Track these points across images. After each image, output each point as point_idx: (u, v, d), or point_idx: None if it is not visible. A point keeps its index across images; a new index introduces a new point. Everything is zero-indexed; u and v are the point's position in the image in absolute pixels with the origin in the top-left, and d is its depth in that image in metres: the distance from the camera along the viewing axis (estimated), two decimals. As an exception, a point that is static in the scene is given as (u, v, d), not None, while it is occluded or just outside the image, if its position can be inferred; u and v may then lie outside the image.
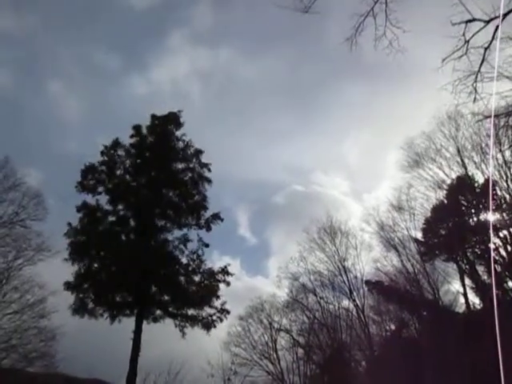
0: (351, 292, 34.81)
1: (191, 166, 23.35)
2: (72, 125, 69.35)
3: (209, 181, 23.33)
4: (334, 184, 71.58)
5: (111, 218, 21.78)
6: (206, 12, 75.39)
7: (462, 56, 11.97)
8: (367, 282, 34.27)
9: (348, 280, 35.04)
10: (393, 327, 34.35)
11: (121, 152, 22.87)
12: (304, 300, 35.63)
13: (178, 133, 23.60)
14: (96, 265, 21.53)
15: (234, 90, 78.79)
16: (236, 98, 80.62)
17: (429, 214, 32.47)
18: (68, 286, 20.89)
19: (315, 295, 35.77)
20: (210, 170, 23.34)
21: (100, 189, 21.74)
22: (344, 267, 35.33)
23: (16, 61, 69.58)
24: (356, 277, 34.97)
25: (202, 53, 78.16)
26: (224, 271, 22.12)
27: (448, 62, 12.03)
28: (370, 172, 71.53)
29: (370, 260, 35.26)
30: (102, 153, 22.38)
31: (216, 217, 22.77)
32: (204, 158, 23.48)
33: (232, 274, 22.38)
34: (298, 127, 78.78)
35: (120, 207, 21.95)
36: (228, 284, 22.19)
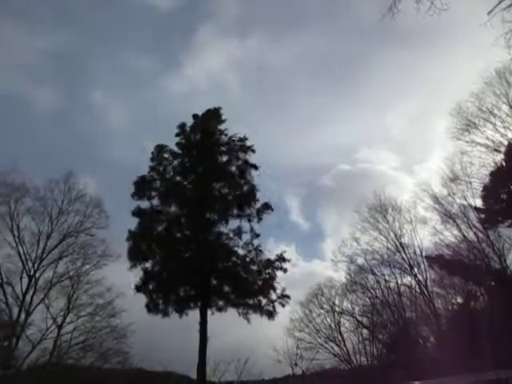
0: (411, 268, 33.93)
1: (236, 156, 23.62)
2: (118, 131, 71.99)
3: (255, 167, 23.49)
4: (381, 159, 69.81)
5: (166, 218, 22.45)
6: (231, 2, 75.31)
7: (510, 5, 11.13)
8: (427, 258, 33.23)
9: (407, 256, 34.16)
10: (459, 300, 33.22)
11: (166, 154, 23.50)
12: (363, 280, 35.21)
13: (221, 127, 23.94)
14: (157, 265, 22.32)
15: (269, 76, 78.49)
16: (271, 84, 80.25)
17: (487, 180, 30.86)
18: (137, 288, 21.88)
19: (374, 274, 35.22)
20: (254, 151, 23.49)
21: (153, 193, 22.49)
22: (401, 243, 34.46)
23: (59, 76, 72.94)
24: (415, 252, 34.03)
25: (232, 43, 78.39)
26: (280, 258, 22.29)
27: (495, 14, 11.21)
28: (418, 143, 69.22)
29: (427, 234, 34.16)
30: (151, 159, 23.11)
31: (266, 207, 22.90)
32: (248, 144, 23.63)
33: (288, 260, 22.51)
34: (337, 106, 77.32)
35: (173, 207, 22.60)
36: (285, 271, 22.37)
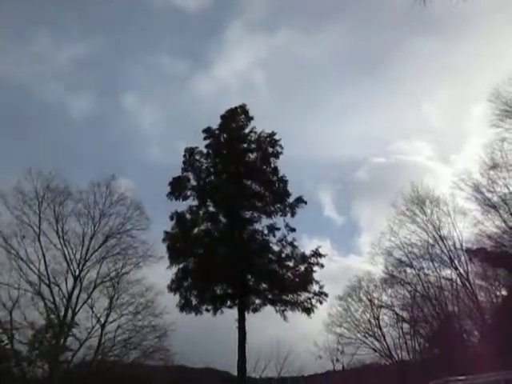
0: (452, 260, 33.01)
1: (266, 152, 23.75)
2: (152, 133, 73.51)
3: (279, 154, 23.38)
4: (416, 150, 68.09)
5: (202, 218, 22.83)
6: (257, -2, 75.12)
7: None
8: (467, 251, 32.21)
9: (446, 248, 33.23)
10: (504, 293, 32.07)
11: (198, 156, 23.90)
12: (401, 274, 34.57)
13: (249, 125, 24.14)
14: (193, 264, 22.73)
15: (297, 70, 78.08)
16: (301, 79, 79.81)
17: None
18: (171, 287, 22.37)
19: (413, 268, 34.49)
20: (281, 147, 23.52)
21: (188, 193, 22.92)
22: (440, 236, 33.55)
23: (94, 82, 75.13)
24: (454, 244, 33.07)
25: (260, 40, 78.44)
26: (316, 254, 22.23)
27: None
28: (454, 131, 67.34)
29: (467, 225, 33.10)
30: (184, 162, 23.56)
31: (299, 201, 22.89)
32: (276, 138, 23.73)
33: (324, 256, 22.43)
34: (369, 98, 75.99)
35: (208, 206, 22.96)
36: (322, 266, 22.29)
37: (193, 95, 76.25)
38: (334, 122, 77.23)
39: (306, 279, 22.17)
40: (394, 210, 34.71)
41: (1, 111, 62.34)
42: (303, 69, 79.46)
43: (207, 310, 22.38)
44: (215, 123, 24.20)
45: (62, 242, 27.58)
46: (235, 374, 23.74)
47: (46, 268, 26.88)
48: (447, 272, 33.46)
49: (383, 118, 73.52)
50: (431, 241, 33.37)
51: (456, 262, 32.70)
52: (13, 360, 26.16)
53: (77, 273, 27.46)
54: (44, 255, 27.00)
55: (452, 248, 32.86)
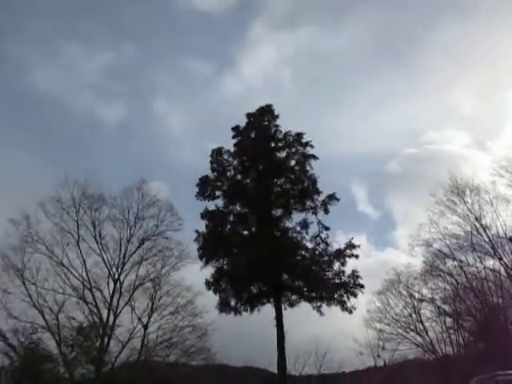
0: (495, 250, 31.76)
1: (294, 150, 23.70)
2: (180, 136, 74.63)
3: (314, 157, 23.41)
4: (450, 139, 66.06)
5: (232, 218, 23.01)
6: (280, -5, 74.89)
7: None
8: (511, 239, 30.96)
9: (489, 238, 32.01)
10: (553, 282, 30.60)
11: (226, 156, 24.08)
12: (442, 266, 33.58)
13: (275, 123, 24.12)
14: (227, 264, 22.95)
15: (323, 66, 77.13)
16: (326, 74, 78.89)
17: None
18: (207, 284, 22.68)
19: (454, 259, 33.42)
20: (312, 147, 23.47)
21: (217, 193, 23.14)
22: (482, 225, 32.35)
23: (122, 90, 77.05)
24: (498, 233, 31.79)
25: (284, 37, 78.04)
26: (350, 246, 22.04)
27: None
28: (489, 117, 64.82)
29: (510, 213, 31.75)
30: (211, 162, 23.79)
31: (332, 198, 22.75)
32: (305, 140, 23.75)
33: (358, 246, 22.42)
34: (399, 88, 74.20)
35: (238, 206, 23.11)
36: (356, 257, 22.12)
37: (220, 96, 76.77)
38: (363, 115, 75.91)
39: (341, 273, 22.03)
40: (433, 201, 33.67)
41: (36, 124, 64.84)
42: (329, 63, 78.51)
43: (245, 310, 22.61)
44: (243, 123, 24.41)
45: (100, 246, 28.38)
46: (275, 371, 23.83)
47: (87, 273, 27.78)
48: (490, 262, 32.18)
49: (413, 108, 71.60)
50: (473, 231, 32.27)
51: (500, 251, 31.42)
52: (60, 362, 27.16)
53: (116, 276, 28.21)
54: (84, 260, 27.90)
55: (495, 237, 31.63)
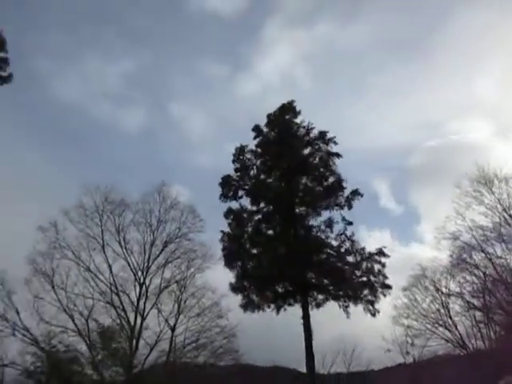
0: (525, 241, 30.95)
1: (317, 147, 23.53)
2: (200, 138, 75.01)
3: (338, 155, 23.23)
4: (474, 128, 64.54)
5: (256, 217, 22.98)
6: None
7: None
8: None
9: (519, 229, 31.18)
10: None
11: (248, 155, 24.05)
12: (469, 259, 32.88)
13: (297, 121, 24.00)
14: (251, 263, 22.93)
15: (340, 60, 76.60)
16: (344, 69, 78.28)
17: None
18: (232, 287, 22.71)
19: (482, 251, 32.68)
20: (336, 143, 23.29)
21: (240, 193, 23.14)
22: (511, 216, 31.59)
23: (141, 96, 77.80)
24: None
25: (300, 34, 77.69)
26: (380, 253, 21.75)
27: None
28: (513, 105, 62.83)
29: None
30: (233, 161, 23.80)
31: (355, 193, 22.52)
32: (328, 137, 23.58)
33: (388, 256, 21.94)
34: (418, 79, 73.08)
35: (262, 205, 23.06)
36: (383, 266, 21.76)
37: (237, 96, 77.06)
38: (383, 109, 75.14)
39: (369, 273, 21.77)
40: (459, 192, 32.95)
41: (59, 132, 66.09)
42: (345, 59, 77.99)
43: (268, 307, 22.54)
44: (262, 122, 24.35)
45: (125, 251, 28.76)
46: (304, 371, 23.73)
47: (114, 277, 28.18)
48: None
49: (434, 99, 70.53)
50: (501, 221, 31.52)
51: (531, 241, 30.65)
52: (89, 365, 27.62)
53: (142, 280, 28.53)
54: (110, 265, 28.32)
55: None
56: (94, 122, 69.97)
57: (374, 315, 21.48)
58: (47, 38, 70.22)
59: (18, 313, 26.27)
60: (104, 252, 28.31)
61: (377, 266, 21.72)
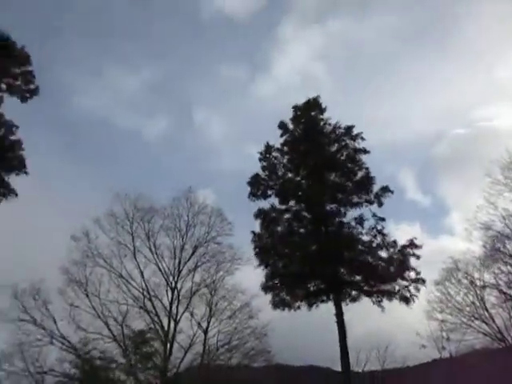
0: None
1: (344, 144, 23.37)
2: (222, 142, 75.47)
3: (366, 151, 23.05)
4: (499, 114, 62.98)
5: (287, 216, 22.92)
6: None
7: None
8: None
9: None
10: None
11: (275, 153, 24.01)
12: (504, 248, 32.03)
13: (323, 117, 23.86)
14: (282, 262, 22.86)
15: (358, 54, 75.98)
16: (362, 62, 77.59)
17: None
18: (263, 287, 22.69)
19: (516, 240, 31.77)
20: (363, 139, 23.10)
21: (269, 192, 23.11)
22: (546, 201, 30.62)
23: (164, 104, 78.81)
24: None
25: (315, 31, 77.44)
26: (412, 244, 21.43)
27: None
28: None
29: None
30: (260, 159, 23.81)
31: (385, 190, 22.28)
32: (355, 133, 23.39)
33: (420, 246, 21.56)
34: (438, 68, 71.92)
35: (291, 203, 23.00)
36: (418, 257, 21.44)
37: (256, 98, 77.35)
38: (405, 99, 74.16)
39: (402, 267, 21.48)
40: (489, 181, 32.11)
41: (86, 144, 67.37)
42: (363, 52, 77.40)
43: (299, 308, 22.45)
44: (286, 120, 24.21)
45: (155, 256, 29.17)
46: (337, 369, 23.57)
47: (146, 283, 28.58)
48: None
49: (457, 88, 69.28)
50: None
51: None
52: (124, 369, 28.01)
53: (173, 284, 28.86)
54: (142, 271, 28.74)
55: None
56: (119, 132, 71.21)
57: (408, 304, 21.11)
58: (70, 50, 71.78)
59: (55, 321, 26.93)
60: (135, 258, 28.79)
61: (409, 259, 21.40)
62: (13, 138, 18.73)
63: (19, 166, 18.62)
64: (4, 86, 18.60)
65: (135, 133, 72.33)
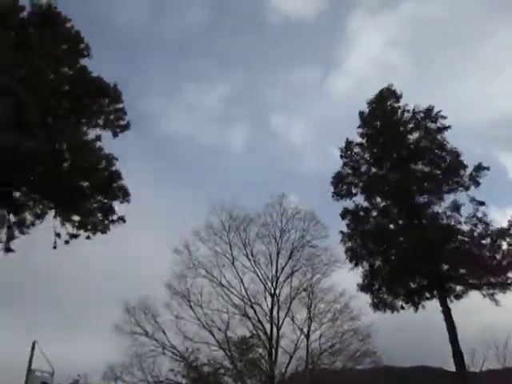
0: None
1: (425, 128, 22.30)
2: (304, 145, 75.49)
3: (447, 128, 21.83)
4: None
5: (373, 213, 22.35)
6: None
7: None
8: None
9: None
10: None
11: (356, 149, 23.57)
12: None
13: (399, 104, 23.01)
14: (377, 261, 22.27)
15: (432, 38, 71.69)
16: (438, 45, 73.16)
17: None
18: (360, 287, 22.25)
19: None
20: (444, 117, 21.91)
21: (354, 190, 22.74)
22: None
23: (242, 115, 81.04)
24: None
25: (386, 19, 74.67)
26: None
27: None
28: None
29: None
30: (341, 157, 23.52)
31: (479, 168, 20.73)
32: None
33: None
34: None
35: (378, 199, 22.37)
36: None
37: (334, 96, 76.23)
38: (488, 78, 68.48)
39: (510, 254, 19.80)
40: None
41: (174, 164, 71.04)
42: (438, 35, 72.98)
43: (402, 308, 21.67)
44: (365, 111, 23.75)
45: (253, 264, 29.80)
46: (449, 369, 22.23)
47: (246, 291, 29.33)
48: None
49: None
50: None
51: None
52: (233, 376, 28.90)
53: (272, 290, 29.29)
54: (241, 279, 29.57)
55: None
56: (204, 148, 74.23)
57: None
58: (149, 78, 76.66)
59: (164, 333, 28.61)
60: (234, 267, 29.66)
61: None
62: (113, 168, 20.37)
63: (124, 195, 20.32)
64: (101, 122, 20.46)
65: (219, 145, 74.95)
